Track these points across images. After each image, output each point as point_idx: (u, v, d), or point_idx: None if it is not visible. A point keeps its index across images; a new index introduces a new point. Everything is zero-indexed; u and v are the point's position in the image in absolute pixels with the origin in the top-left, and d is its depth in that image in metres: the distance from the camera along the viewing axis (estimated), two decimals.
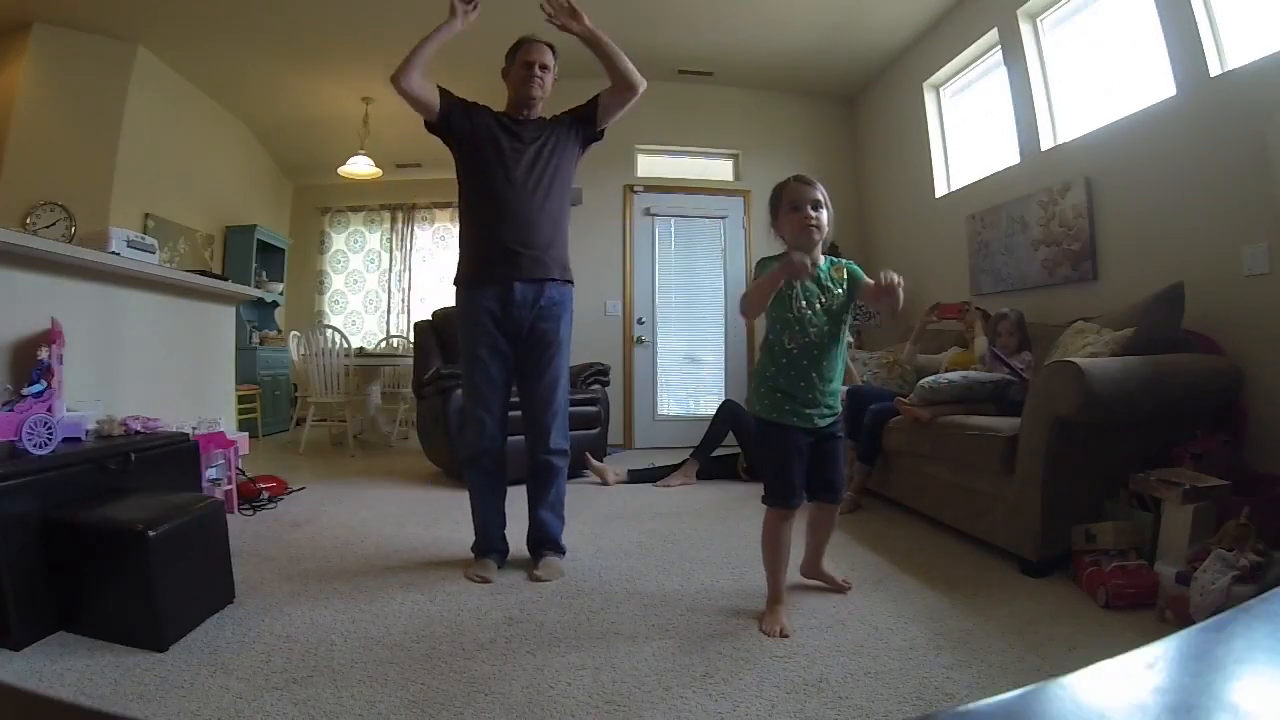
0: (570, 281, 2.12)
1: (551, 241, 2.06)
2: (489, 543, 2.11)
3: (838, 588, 1.87)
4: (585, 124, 2.13)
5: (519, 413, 2.12)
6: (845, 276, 1.70)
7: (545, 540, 2.11)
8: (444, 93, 2.03)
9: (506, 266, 2.00)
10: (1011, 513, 2.06)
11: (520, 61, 2.10)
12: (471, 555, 2.10)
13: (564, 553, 2.12)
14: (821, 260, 1.67)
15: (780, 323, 1.66)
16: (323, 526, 2.58)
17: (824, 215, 1.64)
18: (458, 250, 2.12)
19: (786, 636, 1.56)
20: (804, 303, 1.63)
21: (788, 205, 1.66)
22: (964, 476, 2.32)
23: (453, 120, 2.04)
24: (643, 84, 2.08)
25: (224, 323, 3.39)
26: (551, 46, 2.13)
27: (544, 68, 2.10)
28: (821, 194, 1.66)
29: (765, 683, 1.34)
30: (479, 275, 2.03)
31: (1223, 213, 2.47)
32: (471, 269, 2.06)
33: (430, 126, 2.07)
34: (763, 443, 1.73)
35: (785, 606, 1.67)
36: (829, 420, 1.71)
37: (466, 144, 2.05)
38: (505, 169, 2.01)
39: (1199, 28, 2.53)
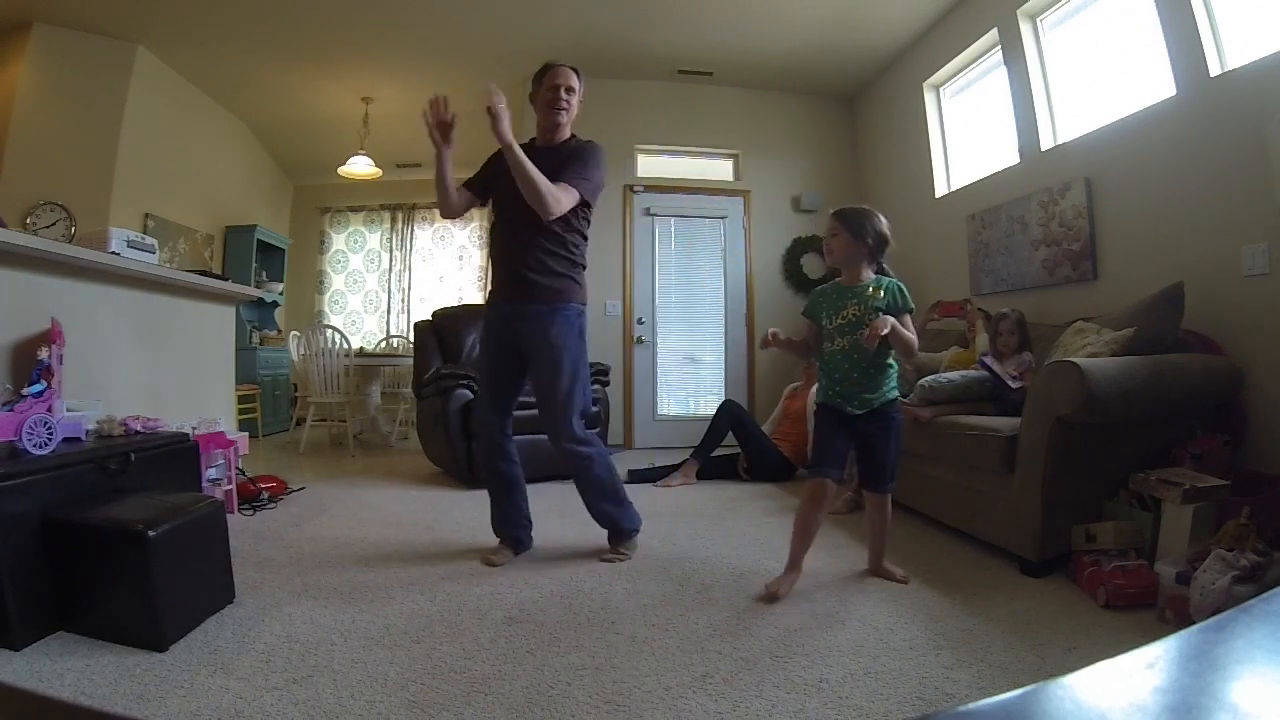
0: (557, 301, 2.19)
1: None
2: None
3: (897, 581, 1.99)
4: None
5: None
6: (882, 295, 1.90)
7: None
8: (470, 184, 2.22)
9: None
10: (1011, 513, 2.06)
11: (547, 85, 2.16)
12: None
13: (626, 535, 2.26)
14: (870, 277, 1.94)
15: (825, 333, 1.98)
16: (323, 526, 2.58)
17: (834, 242, 1.95)
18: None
19: (777, 599, 1.78)
20: (829, 320, 1.94)
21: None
22: (964, 476, 2.32)
23: (487, 191, 2.22)
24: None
25: (224, 323, 3.39)
26: (576, 70, 2.19)
27: (569, 90, 2.17)
28: (835, 223, 1.95)
29: (765, 683, 1.34)
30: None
31: (1223, 213, 2.47)
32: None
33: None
34: (815, 426, 2.03)
35: (800, 577, 1.89)
36: (862, 412, 1.91)
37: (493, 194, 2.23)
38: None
39: (1199, 28, 2.53)
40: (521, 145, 2.11)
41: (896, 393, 1.95)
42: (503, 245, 2.18)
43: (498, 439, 2.23)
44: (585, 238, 2.21)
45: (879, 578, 2.01)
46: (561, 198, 2.02)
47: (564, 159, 2.13)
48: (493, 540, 2.28)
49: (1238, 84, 2.41)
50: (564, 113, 2.16)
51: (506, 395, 2.24)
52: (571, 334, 2.14)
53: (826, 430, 1.94)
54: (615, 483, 2.25)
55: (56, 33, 4.18)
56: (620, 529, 2.25)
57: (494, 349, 2.22)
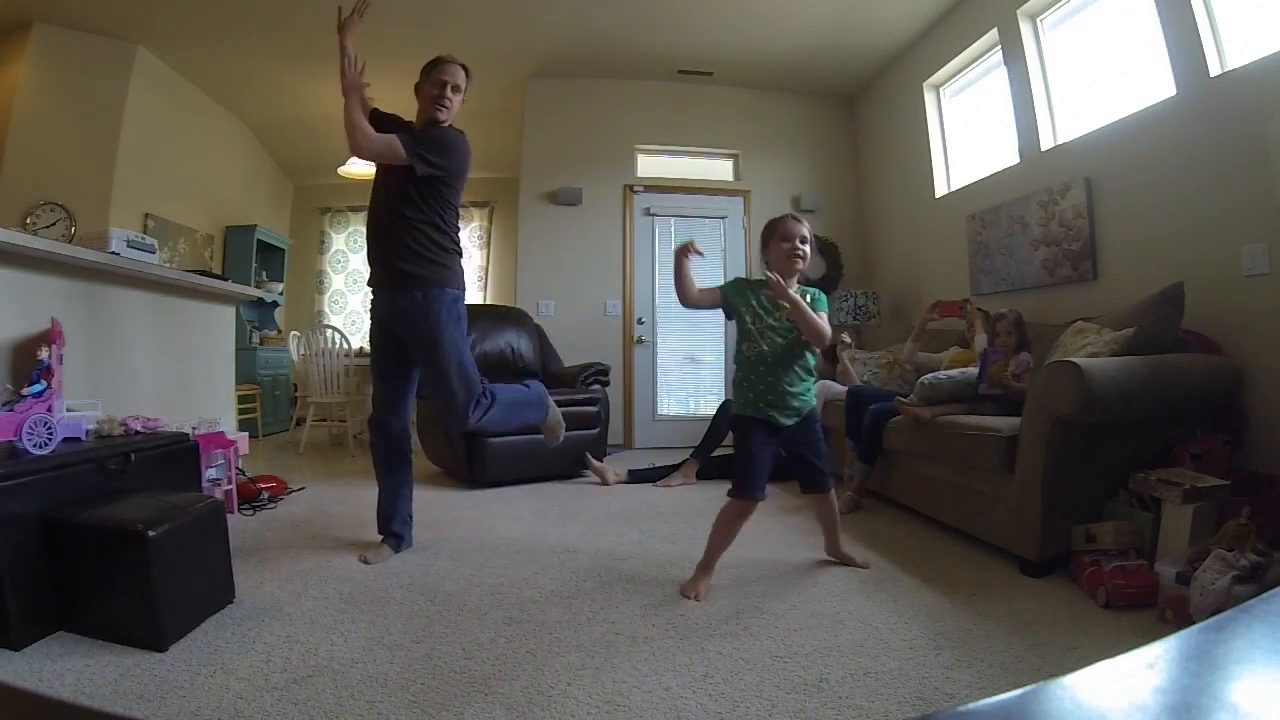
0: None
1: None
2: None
3: (857, 566, 2.07)
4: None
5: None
6: (809, 300, 1.90)
7: None
8: (394, 129, 2.11)
9: None
10: (1011, 513, 2.06)
11: (434, 80, 2.12)
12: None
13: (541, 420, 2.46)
14: (794, 288, 1.90)
15: (741, 334, 1.97)
16: (323, 526, 2.58)
17: (807, 249, 1.92)
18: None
19: (699, 600, 1.79)
20: (756, 319, 1.92)
21: (779, 237, 1.94)
22: (964, 476, 2.32)
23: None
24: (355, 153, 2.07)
25: (224, 323, 3.39)
26: (465, 68, 2.17)
27: (456, 89, 2.14)
28: (808, 232, 1.94)
29: (765, 683, 1.34)
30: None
31: (1223, 213, 2.47)
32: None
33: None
34: (735, 438, 1.96)
35: (711, 580, 1.89)
36: (794, 420, 1.90)
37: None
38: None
39: (1199, 28, 2.53)
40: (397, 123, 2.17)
41: (815, 401, 1.99)
42: (370, 232, 2.18)
43: (394, 432, 2.25)
44: (446, 224, 2.15)
45: (840, 563, 2.10)
46: (373, 142, 1.99)
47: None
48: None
49: (1238, 84, 2.41)
50: (446, 110, 2.13)
51: (398, 387, 2.25)
52: (449, 320, 2.13)
53: (757, 447, 1.87)
54: (510, 411, 2.32)
55: (56, 33, 4.18)
56: (538, 428, 2.45)
57: (380, 340, 2.22)
